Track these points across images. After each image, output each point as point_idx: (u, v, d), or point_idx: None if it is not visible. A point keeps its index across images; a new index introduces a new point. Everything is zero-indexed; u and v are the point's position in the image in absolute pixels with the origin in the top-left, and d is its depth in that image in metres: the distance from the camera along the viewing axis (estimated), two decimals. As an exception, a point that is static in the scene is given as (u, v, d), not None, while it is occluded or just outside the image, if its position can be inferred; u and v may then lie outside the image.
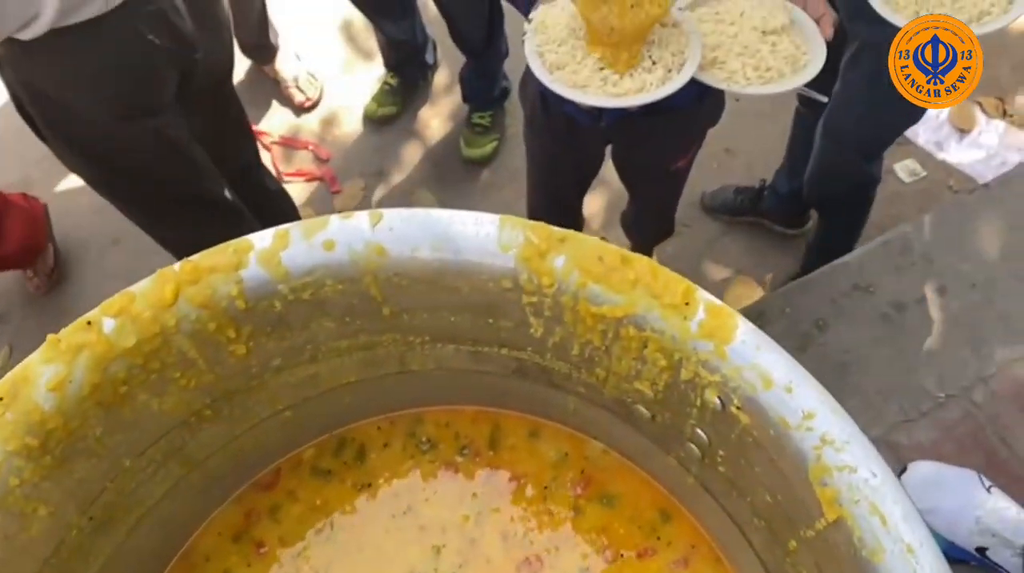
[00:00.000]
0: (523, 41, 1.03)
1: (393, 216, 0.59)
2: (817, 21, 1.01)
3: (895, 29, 0.99)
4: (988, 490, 1.27)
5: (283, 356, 0.66)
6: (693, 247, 2.27)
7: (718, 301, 0.54)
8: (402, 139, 2.44)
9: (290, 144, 2.43)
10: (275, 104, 2.52)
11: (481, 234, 0.58)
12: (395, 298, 0.63)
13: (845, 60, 1.47)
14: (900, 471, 1.34)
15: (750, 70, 0.98)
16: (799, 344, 1.55)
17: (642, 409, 0.66)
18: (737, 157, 2.42)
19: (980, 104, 2.42)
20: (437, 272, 0.60)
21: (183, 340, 0.59)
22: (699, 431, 0.61)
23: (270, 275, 0.59)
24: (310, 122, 2.48)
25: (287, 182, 2.35)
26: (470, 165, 2.38)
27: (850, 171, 1.73)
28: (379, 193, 2.34)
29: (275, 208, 1.84)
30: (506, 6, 1.67)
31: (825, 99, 1.13)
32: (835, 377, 1.51)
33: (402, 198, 2.33)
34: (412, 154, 2.42)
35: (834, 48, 1.02)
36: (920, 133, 2.36)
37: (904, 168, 2.34)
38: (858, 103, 1.51)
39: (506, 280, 0.59)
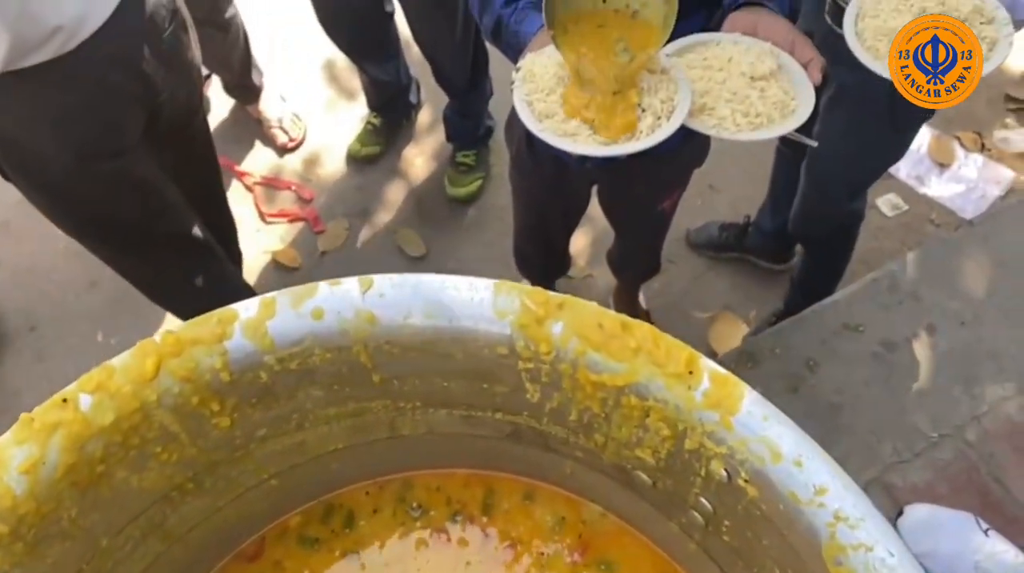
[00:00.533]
0: (511, 88, 1.02)
1: (384, 282, 0.57)
2: (805, 66, 1.00)
3: (873, 74, 1.00)
4: (986, 533, 1.25)
5: (269, 426, 0.64)
6: (678, 283, 2.27)
7: (722, 370, 0.52)
8: (386, 178, 2.43)
9: (273, 184, 2.41)
10: (258, 144, 2.50)
11: (476, 300, 0.56)
12: (386, 365, 0.60)
13: (824, 103, 1.48)
14: (896, 514, 1.32)
15: (739, 116, 0.97)
16: (790, 385, 1.53)
17: (643, 476, 0.63)
18: (721, 193, 2.43)
19: (959, 138, 2.45)
20: (430, 339, 0.57)
21: (165, 414, 0.56)
22: (703, 500, 0.59)
23: (256, 346, 0.56)
24: (293, 162, 2.46)
25: (270, 223, 2.32)
26: (455, 204, 2.37)
27: (835, 209, 1.74)
28: (363, 233, 2.32)
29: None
30: (491, 48, 1.67)
31: (814, 143, 1.13)
32: (827, 418, 1.50)
33: (386, 237, 2.31)
34: (396, 193, 2.40)
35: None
36: (901, 168, 2.38)
37: (886, 202, 2.36)
38: (840, 145, 1.51)
39: (502, 347, 0.57)
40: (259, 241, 2.29)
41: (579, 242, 2.27)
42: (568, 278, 2.19)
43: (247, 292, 1.81)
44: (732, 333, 2.16)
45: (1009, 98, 2.50)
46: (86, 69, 1.16)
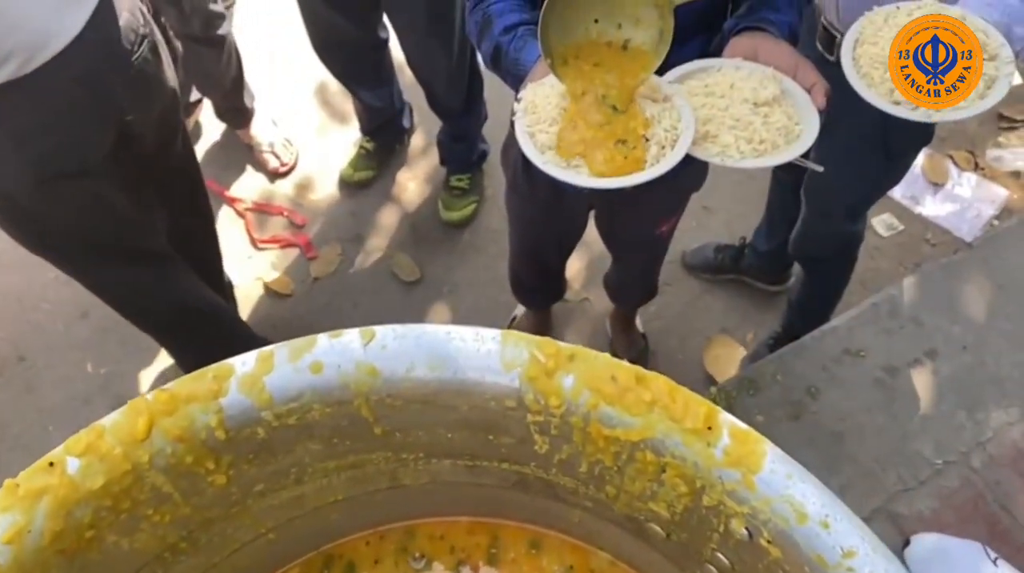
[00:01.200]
0: (511, 116, 1.00)
1: (386, 334, 0.54)
2: (808, 90, 0.99)
3: (866, 102, 0.98)
4: (995, 563, 1.23)
5: (266, 481, 0.61)
6: (675, 306, 2.25)
7: (743, 425, 0.50)
8: (379, 203, 2.41)
9: (264, 210, 2.38)
10: (249, 169, 2.48)
11: (482, 351, 0.54)
12: (388, 418, 0.58)
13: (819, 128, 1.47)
14: (903, 544, 1.30)
15: (743, 143, 0.95)
16: (793, 412, 1.51)
17: (656, 527, 0.61)
18: (716, 215, 2.42)
19: (952, 158, 2.45)
20: (434, 392, 0.55)
21: (157, 476, 0.53)
22: (720, 555, 0.57)
23: (253, 401, 0.54)
24: (285, 187, 2.44)
25: (262, 249, 2.30)
26: (449, 228, 2.35)
27: (834, 231, 1.73)
28: (356, 258, 2.29)
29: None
30: (486, 72, 1.65)
31: (820, 168, 1.12)
32: (831, 446, 1.48)
33: (380, 262, 2.28)
34: (389, 218, 2.38)
35: None
36: (896, 188, 2.38)
37: (882, 222, 2.35)
38: (836, 170, 1.50)
39: (509, 400, 0.54)
40: (251, 268, 2.26)
41: (575, 265, 2.25)
42: (564, 301, 2.17)
43: (219, 307, 1.78)
44: (729, 356, 2.14)
45: (1002, 117, 2.50)
46: (48, 90, 1.16)
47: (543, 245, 1.78)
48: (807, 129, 0.97)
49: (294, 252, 2.30)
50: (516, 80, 1.10)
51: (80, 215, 1.34)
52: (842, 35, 1.32)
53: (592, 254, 2.27)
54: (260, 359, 0.54)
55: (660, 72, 1.01)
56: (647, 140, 0.96)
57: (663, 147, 0.95)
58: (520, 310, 2.15)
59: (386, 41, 2.15)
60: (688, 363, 2.14)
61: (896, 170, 1.53)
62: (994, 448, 1.45)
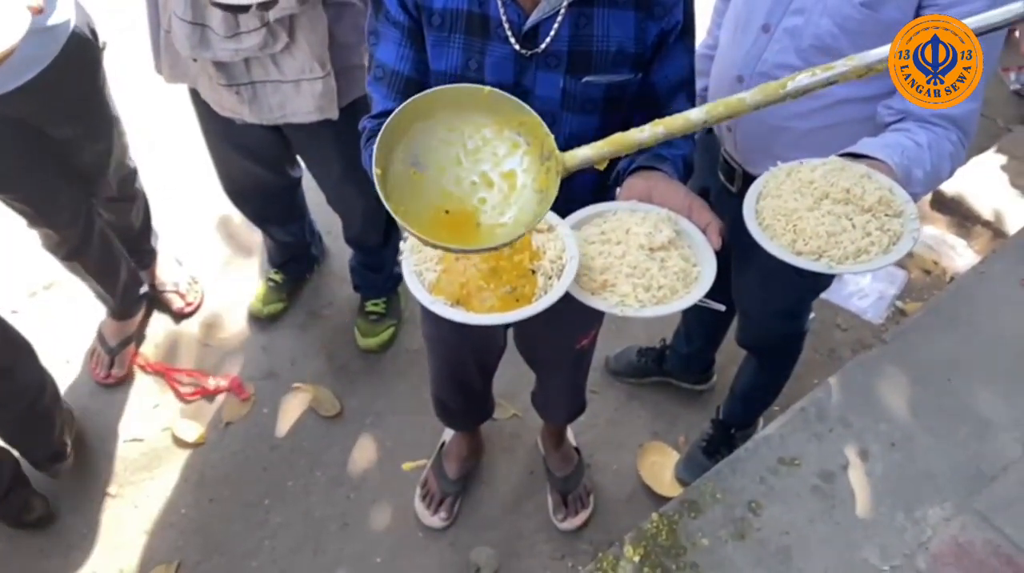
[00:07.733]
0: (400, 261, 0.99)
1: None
2: (703, 230, 0.99)
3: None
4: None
5: None
6: (603, 414, 2.22)
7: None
8: (292, 336, 2.31)
9: (171, 372, 2.24)
10: (154, 312, 2.34)
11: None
12: None
13: (736, 254, 1.48)
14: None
15: (641, 291, 0.93)
16: (737, 531, 1.48)
17: None
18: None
19: (850, 244, 2.55)
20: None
21: None
22: None
23: None
24: (191, 327, 2.32)
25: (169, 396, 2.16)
26: (368, 354, 2.27)
27: (774, 333, 1.75)
28: (271, 397, 2.18)
29: None
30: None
31: (722, 308, 1.12)
32: (779, 564, 1.44)
33: (296, 399, 2.17)
34: (304, 351, 2.29)
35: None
36: (802, 277, 2.46)
37: (794, 312, 2.40)
38: (759, 289, 1.52)
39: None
40: (157, 418, 2.12)
41: (502, 381, 2.19)
42: (493, 420, 2.11)
43: None
44: (664, 463, 2.11)
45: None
46: None
47: (463, 368, 1.74)
48: (705, 270, 0.96)
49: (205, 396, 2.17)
50: None
51: None
52: (740, 167, 1.36)
53: (519, 369, 2.22)
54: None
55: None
56: (534, 273, 0.95)
57: (550, 278, 0.95)
58: (448, 434, 2.08)
59: (299, 180, 2.13)
60: (623, 473, 2.10)
61: (815, 285, 1.56)
62: (936, 546, 1.45)
